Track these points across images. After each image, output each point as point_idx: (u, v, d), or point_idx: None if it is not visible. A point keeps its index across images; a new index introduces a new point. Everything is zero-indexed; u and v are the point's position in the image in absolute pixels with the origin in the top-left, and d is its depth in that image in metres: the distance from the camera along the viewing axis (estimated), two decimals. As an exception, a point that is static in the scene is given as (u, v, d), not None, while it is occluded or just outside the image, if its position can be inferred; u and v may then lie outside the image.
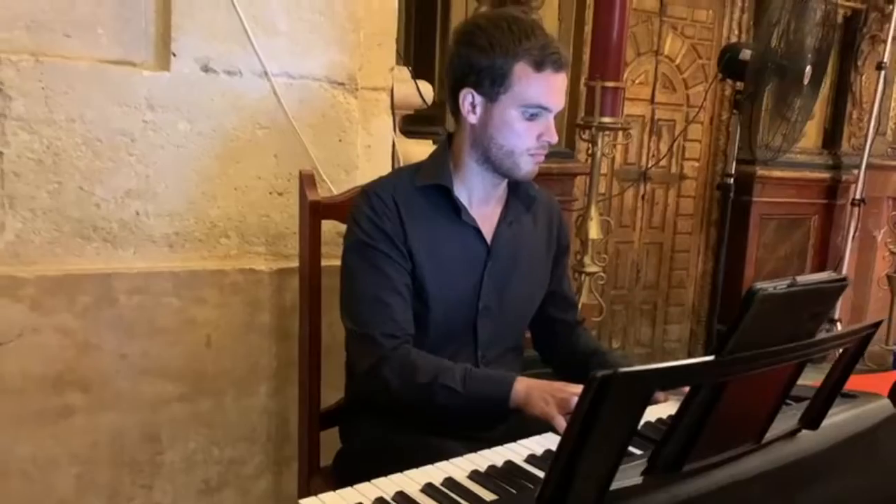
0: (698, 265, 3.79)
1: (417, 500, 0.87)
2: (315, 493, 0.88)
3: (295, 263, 1.68)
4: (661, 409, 1.24)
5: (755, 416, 0.91)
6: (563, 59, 1.33)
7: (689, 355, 3.71)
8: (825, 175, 3.75)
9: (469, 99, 1.35)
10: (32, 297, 1.48)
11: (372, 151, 1.90)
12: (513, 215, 1.47)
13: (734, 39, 3.55)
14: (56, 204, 1.51)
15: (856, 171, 3.58)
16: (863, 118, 3.62)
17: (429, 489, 0.90)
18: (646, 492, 0.83)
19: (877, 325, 0.99)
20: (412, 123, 2.33)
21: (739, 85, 2.95)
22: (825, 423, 1.08)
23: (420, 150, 2.10)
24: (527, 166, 1.37)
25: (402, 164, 2.01)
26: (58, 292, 1.50)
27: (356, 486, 0.90)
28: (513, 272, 1.46)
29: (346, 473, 1.39)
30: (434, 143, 2.31)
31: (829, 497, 1.07)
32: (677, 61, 3.51)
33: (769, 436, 0.97)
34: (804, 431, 1.06)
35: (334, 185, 1.78)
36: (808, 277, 0.84)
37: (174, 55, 1.57)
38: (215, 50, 1.60)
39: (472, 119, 1.36)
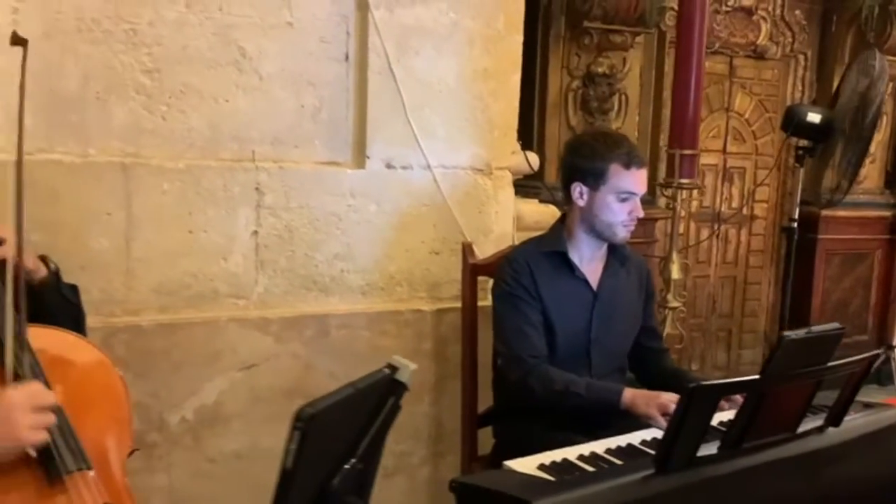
0: (769, 295, 4.18)
1: (575, 462, 1.41)
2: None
3: (448, 304, 2.27)
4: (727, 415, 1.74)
5: (789, 415, 1.42)
6: (643, 160, 1.91)
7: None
8: (887, 213, 4.10)
9: (578, 189, 1.91)
10: (276, 332, 2.10)
11: (499, 215, 2.47)
12: (612, 270, 2.01)
13: (798, 95, 3.97)
14: (290, 265, 2.14)
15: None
16: (922, 162, 3.96)
17: (581, 457, 1.44)
18: (720, 459, 1.35)
19: (876, 354, 1.48)
20: (518, 179, 2.87)
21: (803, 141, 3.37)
22: (849, 424, 1.57)
23: (528, 207, 2.68)
24: (621, 234, 1.93)
25: (516, 220, 2.59)
26: (291, 328, 2.12)
27: (534, 456, 1.44)
28: (614, 312, 2.00)
29: (501, 460, 1.95)
30: (539, 201, 2.88)
31: (847, 475, 1.55)
32: (746, 116, 3.96)
33: (804, 430, 1.47)
34: (830, 428, 1.55)
35: (476, 244, 2.35)
36: (821, 327, 1.35)
37: (368, 157, 2.19)
38: (395, 152, 2.21)
39: (581, 203, 1.92)
